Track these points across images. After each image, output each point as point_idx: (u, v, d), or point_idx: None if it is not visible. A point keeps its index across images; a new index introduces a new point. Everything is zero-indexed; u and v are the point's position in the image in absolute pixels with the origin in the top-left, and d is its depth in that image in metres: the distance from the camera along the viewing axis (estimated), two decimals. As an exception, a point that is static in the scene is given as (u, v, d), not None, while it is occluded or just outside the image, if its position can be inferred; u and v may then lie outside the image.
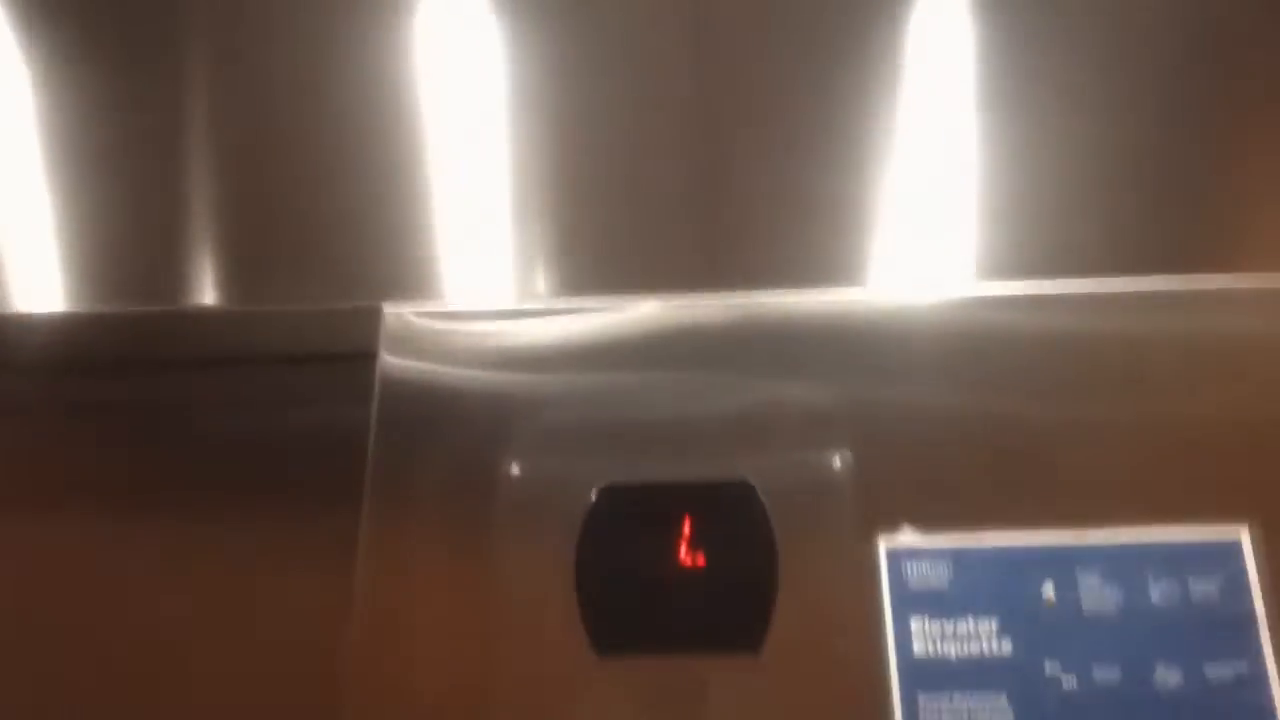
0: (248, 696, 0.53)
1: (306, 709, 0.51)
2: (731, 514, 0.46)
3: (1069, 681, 0.44)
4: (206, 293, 0.60)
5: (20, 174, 0.65)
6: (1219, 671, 0.44)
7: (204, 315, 0.57)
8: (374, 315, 0.49)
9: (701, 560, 0.46)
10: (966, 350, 0.49)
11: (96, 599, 0.57)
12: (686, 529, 0.46)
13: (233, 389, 0.55)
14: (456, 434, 0.48)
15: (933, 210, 0.59)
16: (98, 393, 0.58)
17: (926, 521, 0.46)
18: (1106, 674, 0.44)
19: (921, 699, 0.44)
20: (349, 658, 0.45)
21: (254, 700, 0.53)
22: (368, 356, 0.49)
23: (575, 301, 0.50)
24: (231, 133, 0.66)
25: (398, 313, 0.50)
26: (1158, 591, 0.45)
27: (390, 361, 0.49)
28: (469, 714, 0.44)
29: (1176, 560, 0.45)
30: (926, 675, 0.44)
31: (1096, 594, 0.45)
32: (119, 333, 0.57)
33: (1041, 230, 0.57)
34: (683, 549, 0.46)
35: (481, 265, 0.60)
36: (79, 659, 0.56)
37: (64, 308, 0.60)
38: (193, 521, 0.55)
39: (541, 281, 0.59)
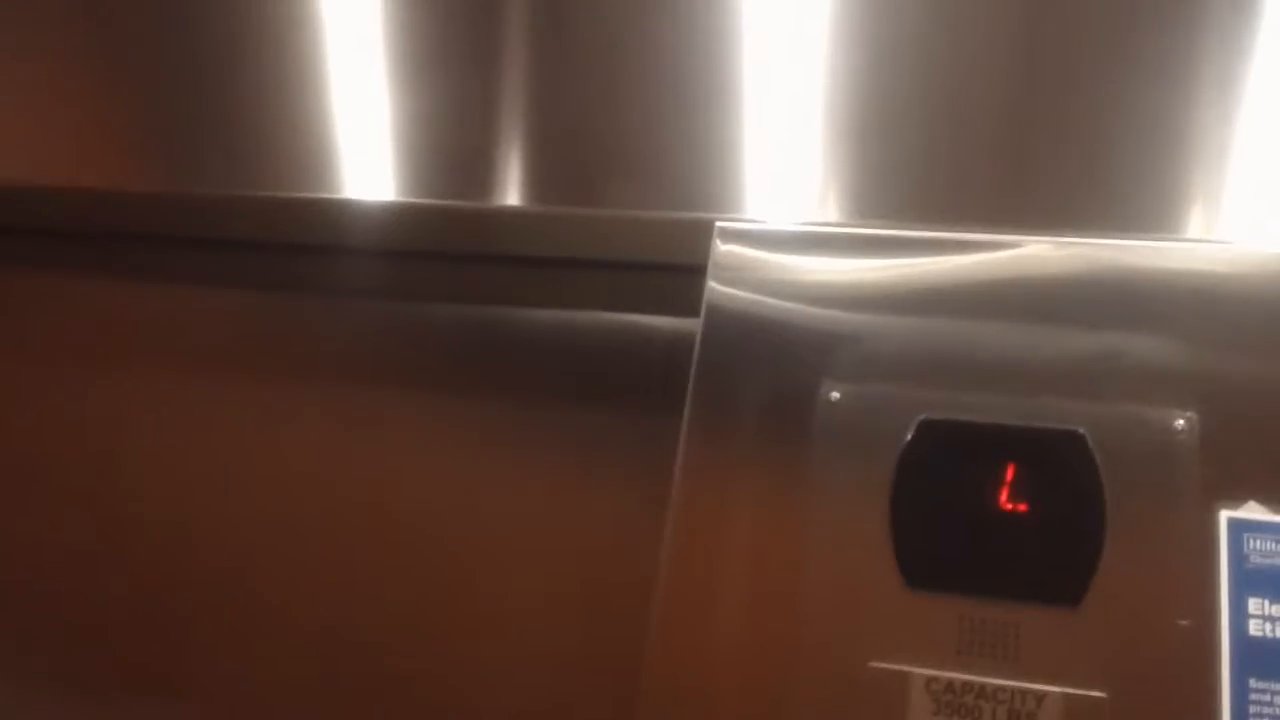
0: (556, 585, 0.56)
1: (613, 607, 0.53)
2: (1059, 463, 0.44)
3: None
4: (535, 194, 0.62)
5: (365, 75, 0.69)
6: None
7: (537, 215, 0.59)
8: (707, 228, 0.50)
9: (1024, 506, 0.44)
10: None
11: (410, 479, 0.60)
12: (1010, 473, 0.44)
13: (560, 289, 0.57)
14: (778, 356, 0.48)
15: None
16: (425, 280, 0.61)
17: (1275, 498, 0.43)
18: None
19: (1253, 684, 0.41)
20: (661, 564, 0.46)
21: (563, 590, 0.56)
22: (696, 270, 0.49)
23: (906, 230, 0.49)
24: (573, 53, 0.67)
25: (727, 228, 0.50)
26: None
27: (716, 284, 0.49)
28: (776, 630, 0.45)
29: None
30: (1261, 659, 0.41)
31: None
32: (453, 224, 0.59)
33: None
34: (1004, 493, 0.44)
35: (798, 190, 0.60)
36: (389, 536, 0.60)
37: (401, 197, 0.63)
38: (513, 411, 0.58)
39: (861, 209, 0.58)
